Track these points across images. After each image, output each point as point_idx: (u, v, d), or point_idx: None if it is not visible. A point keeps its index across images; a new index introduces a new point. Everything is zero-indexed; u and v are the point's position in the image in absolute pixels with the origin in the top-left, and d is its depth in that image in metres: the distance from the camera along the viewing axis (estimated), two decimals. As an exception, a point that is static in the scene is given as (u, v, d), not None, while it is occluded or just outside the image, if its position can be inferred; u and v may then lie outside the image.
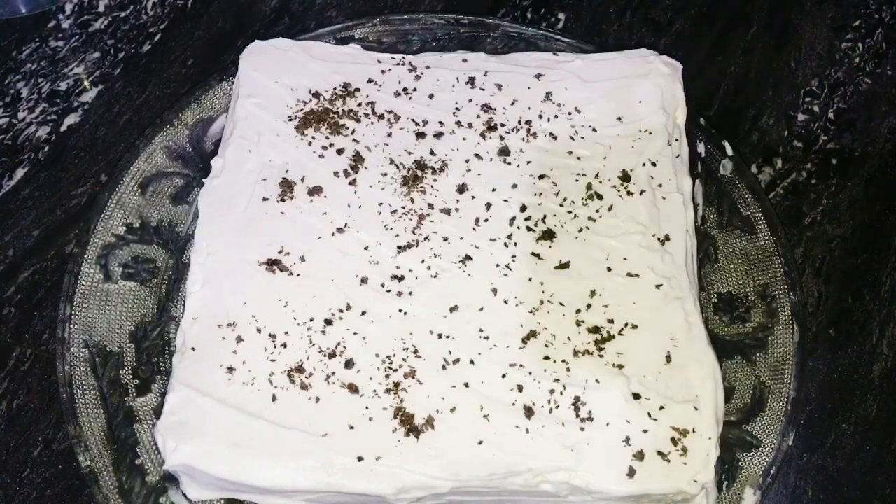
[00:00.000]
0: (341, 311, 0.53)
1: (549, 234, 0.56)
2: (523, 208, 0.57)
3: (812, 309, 0.63)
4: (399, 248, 0.56)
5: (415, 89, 0.62)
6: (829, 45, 0.76)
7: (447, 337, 0.53)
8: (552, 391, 0.51)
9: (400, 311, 0.53)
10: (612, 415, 0.50)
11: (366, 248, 0.56)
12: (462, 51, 0.66)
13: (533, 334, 0.53)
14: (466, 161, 0.59)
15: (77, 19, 0.75)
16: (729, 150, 0.65)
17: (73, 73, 0.72)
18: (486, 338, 0.53)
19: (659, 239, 0.56)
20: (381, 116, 0.61)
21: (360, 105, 0.61)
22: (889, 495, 0.57)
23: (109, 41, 0.74)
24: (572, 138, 0.60)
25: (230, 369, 0.51)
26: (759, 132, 0.71)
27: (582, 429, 0.50)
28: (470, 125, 0.61)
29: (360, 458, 0.49)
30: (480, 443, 0.49)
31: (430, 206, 0.57)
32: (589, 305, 0.54)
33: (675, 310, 0.54)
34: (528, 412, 0.50)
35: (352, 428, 0.50)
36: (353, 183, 0.58)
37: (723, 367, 0.54)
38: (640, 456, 0.49)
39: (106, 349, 0.57)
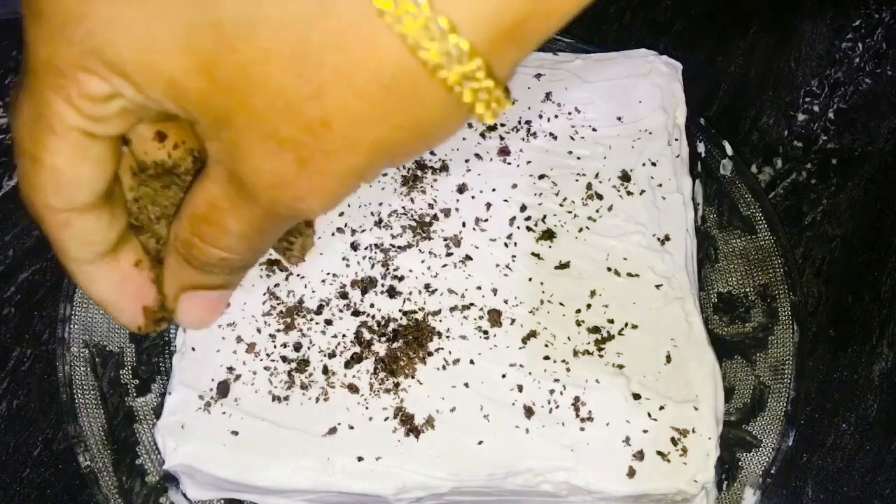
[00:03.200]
0: (341, 310, 0.53)
1: (549, 234, 0.56)
2: (523, 208, 0.57)
3: (812, 309, 0.63)
4: (399, 248, 0.56)
5: (415, 89, 0.62)
6: (829, 45, 0.76)
7: (447, 337, 0.53)
8: (552, 391, 0.51)
9: (400, 311, 0.53)
10: (612, 415, 0.50)
11: (366, 248, 0.56)
12: (462, 51, 0.66)
13: (533, 334, 0.53)
14: (466, 161, 0.59)
15: (77, 19, 0.75)
16: (729, 150, 0.65)
17: (73, 73, 0.72)
18: (487, 338, 0.53)
19: (659, 239, 0.56)
20: (381, 116, 0.61)
21: (360, 105, 0.61)
22: (889, 495, 0.57)
23: (109, 41, 0.74)
24: (572, 138, 0.60)
25: (230, 369, 0.51)
26: (759, 132, 0.71)
27: (582, 429, 0.50)
28: (470, 125, 0.61)
29: (360, 458, 0.49)
30: (480, 443, 0.49)
31: (430, 206, 0.57)
32: (589, 305, 0.54)
33: (675, 310, 0.54)
34: (528, 412, 0.50)
35: (352, 428, 0.50)
36: (353, 183, 0.58)
37: (723, 367, 0.54)
38: (640, 456, 0.49)
39: (106, 349, 0.57)
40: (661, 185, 0.58)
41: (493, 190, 0.58)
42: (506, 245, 0.56)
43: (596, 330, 0.53)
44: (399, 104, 0.25)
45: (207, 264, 0.30)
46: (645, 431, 0.50)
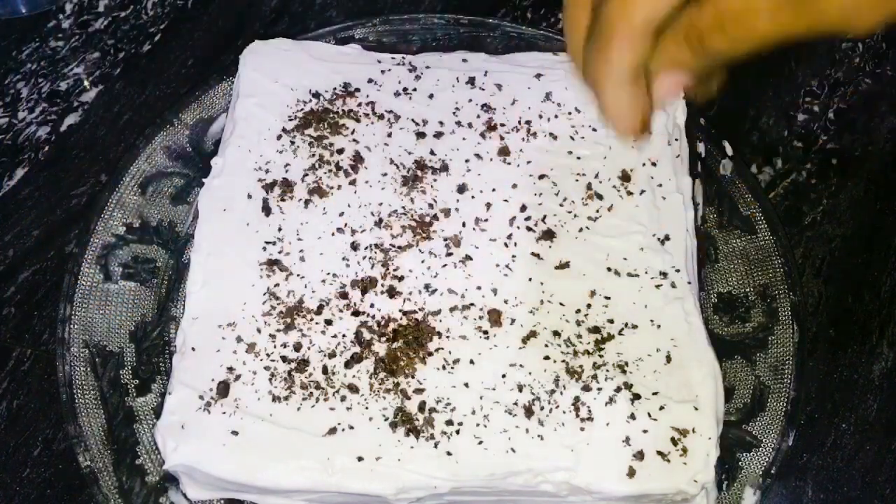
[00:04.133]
0: (341, 310, 0.53)
1: (549, 234, 0.56)
2: (523, 208, 0.57)
3: (812, 309, 0.63)
4: (399, 248, 0.56)
5: (415, 89, 0.62)
6: (829, 45, 0.76)
7: (447, 337, 0.53)
8: (552, 391, 0.51)
9: (400, 311, 0.53)
10: (612, 415, 0.50)
11: (366, 248, 0.56)
12: (462, 51, 0.66)
13: (533, 334, 0.53)
14: (466, 161, 0.59)
15: (77, 19, 0.75)
16: (729, 150, 0.65)
17: (73, 73, 0.72)
18: (487, 338, 0.53)
19: (659, 239, 0.56)
20: (381, 116, 0.61)
21: (360, 105, 0.61)
22: (889, 495, 0.57)
23: (109, 41, 0.74)
24: (572, 138, 0.60)
25: (230, 369, 0.51)
26: (759, 132, 0.71)
27: (582, 429, 0.50)
28: (470, 125, 0.61)
29: (360, 458, 0.49)
30: (480, 443, 0.49)
31: (430, 206, 0.57)
32: (589, 305, 0.54)
33: (675, 310, 0.54)
34: (528, 412, 0.50)
35: (352, 428, 0.50)
36: (352, 183, 0.58)
37: (723, 367, 0.54)
38: (640, 456, 0.49)
39: (106, 349, 0.57)
40: (661, 185, 0.58)
41: (493, 190, 0.58)
42: (506, 245, 0.56)
43: (596, 330, 0.53)
44: None
45: (712, 54, 0.34)
46: (645, 431, 0.50)
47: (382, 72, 0.63)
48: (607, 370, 0.52)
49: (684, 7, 0.36)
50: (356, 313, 0.53)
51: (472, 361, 0.52)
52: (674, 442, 0.50)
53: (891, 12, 0.30)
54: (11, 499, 0.55)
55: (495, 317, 0.53)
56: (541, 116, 0.61)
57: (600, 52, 0.36)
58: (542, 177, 0.59)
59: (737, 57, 0.35)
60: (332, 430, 0.50)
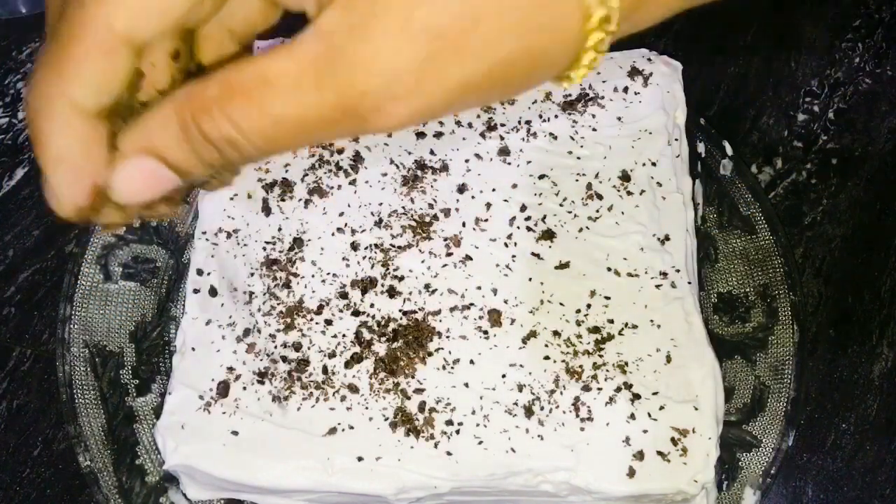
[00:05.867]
0: (341, 310, 0.53)
1: (549, 234, 0.56)
2: (523, 208, 0.57)
3: (812, 309, 0.63)
4: (399, 248, 0.56)
5: (415, 89, 0.62)
6: (829, 45, 0.76)
7: (447, 337, 0.53)
8: (552, 391, 0.51)
9: (400, 311, 0.53)
10: (612, 415, 0.50)
11: (366, 248, 0.56)
12: (462, 51, 0.66)
13: (533, 334, 0.53)
14: (466, 161, 0.59)
15: (77, 19, 0.75)
16: (729, 150, 0.65)
17: (73, 73, 0.72)
18: (487, 338, 0.53)
19: (659, 239, 0.56)
20: (381, 116, 0.61)
21: (360, 105, 0.61)
22: (889, 495, 0.57)
23: (109, 41, 0.74)
24: (572, 138, 0.60)
25: (230, 369, 0.51)
26: (759, 132, 0.71)
27: (582, 429, 0.50)
28: (470, 125, 0.61)
29: (360, 458, 0.49)
30: (480, 443, 0.49)
31: (430, 206, 0.57)
32: (589, 305, 0.54)
33: (675, 310, 0.54)
34: (528, 412, 0.50)
35: (352, 428, 0.50)
36: (352, 183, 0.58)
37: (723, 367, 0.54)
38: (640, 456, 0.49)
39: (106, 349, 0.57)
40: (661, 185, 0.58)
41: (493, 190, 0.58)
42: (506, 245, 0.56)
43: (596, 330, 0.53)
44: (541, 19, 0.25)
45: (205, 142, 0.25)
46: (645, 431, 0.50)
47: (382, 72, 0.63)
48: (607, 370, 0.52)
49: (185, 72, 0.28)
50: (356, 313, 0.53)
51: (472, 361, 0.52)
52: (674, 442, 0.50)
53: (415, 111, 0.26)
54: (11, 499, 0.55)
55: (495, 317, 0.53)
56: (541, 116, 0.61)
57: (54, 59, 0.25)
58: (542, 177, 0.59)
59: (228, 160, 0.26)
60: (332, 430, 0.50)
